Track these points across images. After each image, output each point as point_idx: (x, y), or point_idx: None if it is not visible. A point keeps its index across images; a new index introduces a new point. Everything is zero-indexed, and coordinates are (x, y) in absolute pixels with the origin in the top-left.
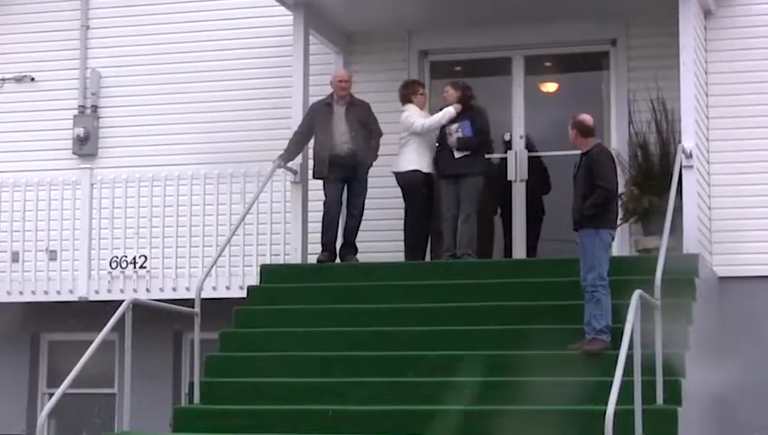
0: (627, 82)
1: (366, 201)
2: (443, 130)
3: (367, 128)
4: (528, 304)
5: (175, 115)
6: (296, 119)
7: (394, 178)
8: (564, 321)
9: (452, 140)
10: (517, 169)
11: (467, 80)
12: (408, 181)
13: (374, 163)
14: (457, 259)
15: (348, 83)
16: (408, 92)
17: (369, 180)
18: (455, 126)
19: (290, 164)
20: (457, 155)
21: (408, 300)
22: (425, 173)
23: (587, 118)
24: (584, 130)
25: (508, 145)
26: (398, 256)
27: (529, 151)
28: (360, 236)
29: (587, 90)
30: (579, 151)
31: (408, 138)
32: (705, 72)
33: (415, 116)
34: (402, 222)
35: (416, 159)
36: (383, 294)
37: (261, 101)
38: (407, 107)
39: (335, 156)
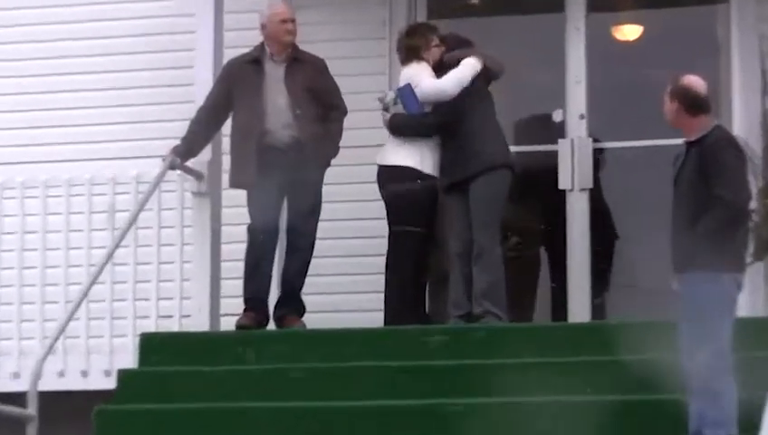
0: (757, 22)
1: (320, 224)
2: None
3: (321, 101)
4: (592, 399)
5: None
6: (202, 88)
7: (375, 181)
8: (654, 428)
9: (385, 117)
10: (575, 170)
11: (487, 20)
12: (395, 184)
13: (333, 161)
14: (472, 322)
15: (294, 25)
16: (414, 44)
17: (327, 190)
18: (390, 94)
19: (190, 163)
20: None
21: (388, 395)
22: (425, 175)
23: (697, 82)
24: (693, 103)
25: (559, 131)
26: (376, 317)
27: (594, 141)
28: (310, 283)
29: (691, 37)
30: (682, 139)
31: None
32: None
33: (426, 78)
34: (383, 260)
35: (412, 150)
36: (345, 385)
37: (144, 57)
38: (412, 67)
39: (268, 148)
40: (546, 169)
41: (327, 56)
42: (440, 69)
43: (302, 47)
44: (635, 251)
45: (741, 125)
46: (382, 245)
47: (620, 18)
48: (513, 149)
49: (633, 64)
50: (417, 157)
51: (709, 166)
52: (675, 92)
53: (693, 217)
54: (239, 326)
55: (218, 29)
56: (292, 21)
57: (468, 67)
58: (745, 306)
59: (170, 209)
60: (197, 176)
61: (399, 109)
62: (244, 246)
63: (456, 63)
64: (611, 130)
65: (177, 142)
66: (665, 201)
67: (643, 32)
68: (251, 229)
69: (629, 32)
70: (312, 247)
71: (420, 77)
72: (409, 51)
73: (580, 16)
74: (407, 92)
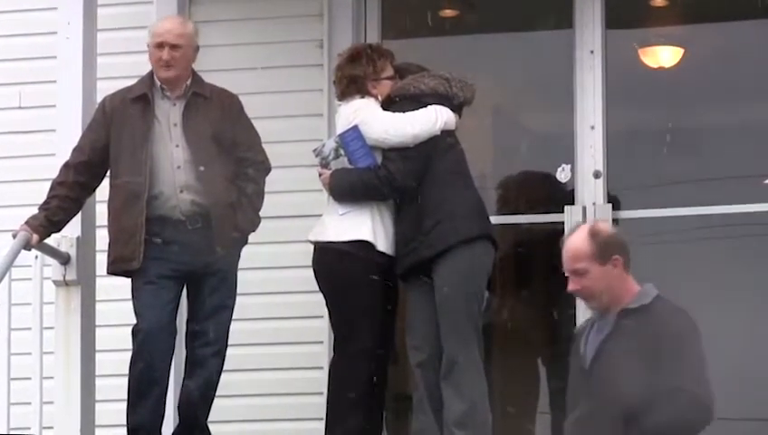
0: None
1: (235, 325)
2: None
3: (233, 154)
4: None
5: None
6: (67, 136)
7: (310, 266)
8: None
9: (324, 175)
10: None
11: (467, 41)
12: (340, 269)
13: (252, 236)
14: None
15: (176, 52)
16: (358, 74)
17: (244, 277)
18: (330, 143)
19: (52, 240)
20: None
21: None
22: (380, 254)
23: (605, 231)
24: (608, 254)
25: (565, 194)
26: None
27: (615, 209)
28: (220, 407)
29: (755, 63)
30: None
31: None
32: None
33: (379, 113)
34: (323, 377)
35: (362, 220)
36: None
37: None
38: (354, 103)
39: (160, 220)
40: (547, 249)
41: (241, 92)
42: (387, 106)
43: (208, 79)
44: None
45: None
46: (321, 355)
47: (652, 38)
48: (496, 220)
49: (670, 102)
50: (369, 229)
51: (663, 351)
52: (590, 236)
53: (627, 417)
54: None
55: (89, 50)
56: (173, 46)
57: (441, 113)
58: None
59: (24, 305)
60: (62, 258)
61: (343, 163)
62: (127, 356)
63: (408, 97)
64: (638, 193)
65: (34, 212)
66: (715, 289)
67: (684, 56)
68: (137, 333)
69: (665, 56)
70: (223, 358)
71: (368, 114)
72: (351, 82)
73: (595, 34)
74: (352, 138)
